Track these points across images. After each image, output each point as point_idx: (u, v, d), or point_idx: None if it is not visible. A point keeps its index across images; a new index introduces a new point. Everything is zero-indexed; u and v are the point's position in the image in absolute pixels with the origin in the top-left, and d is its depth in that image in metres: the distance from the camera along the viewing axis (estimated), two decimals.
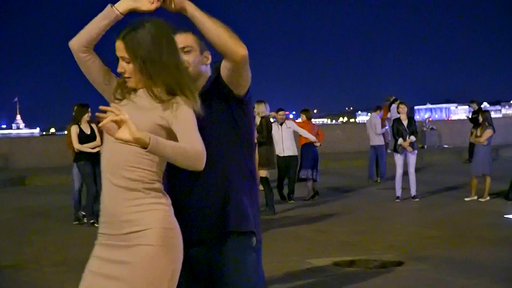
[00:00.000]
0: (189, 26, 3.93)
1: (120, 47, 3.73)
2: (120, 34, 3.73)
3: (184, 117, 3.66)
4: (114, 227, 3.68)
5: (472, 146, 25.39)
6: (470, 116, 27.05)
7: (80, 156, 13.02)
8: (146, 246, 3.61)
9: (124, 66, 3.74)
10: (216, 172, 3.96)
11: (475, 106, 26.94)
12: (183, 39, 4.02)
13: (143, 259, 3.61)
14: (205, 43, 4.04)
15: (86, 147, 12.84)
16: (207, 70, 4.16)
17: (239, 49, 3.77)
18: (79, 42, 3.72)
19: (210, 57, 4.15)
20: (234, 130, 4.04)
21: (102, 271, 3.69)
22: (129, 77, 3.76)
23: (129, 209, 3.65)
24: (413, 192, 15.85)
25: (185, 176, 3.88)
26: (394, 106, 27.21)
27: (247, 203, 4.06)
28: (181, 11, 3.73)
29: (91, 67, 3.81)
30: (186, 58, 4.00)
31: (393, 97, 27.14)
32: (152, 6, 3.61)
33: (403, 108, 16.21)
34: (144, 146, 3.38)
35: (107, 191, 3.72)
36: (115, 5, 3.67)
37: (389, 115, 26.44)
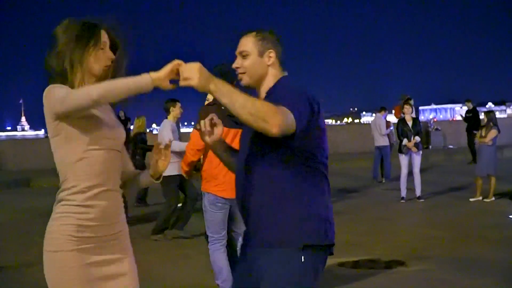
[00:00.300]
0: (256, 26, 4.04)
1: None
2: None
3: None
4: (108, 229, 3.78)
5: (472, 146, 25.40)
6: (464, 116, 27.01)
7: None
8: (129, 240, 3.98)
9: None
10: (253, 191, 3.95)
11: (470, 106, 26.82)
12: (242, 43, 4.07)
13: (131, 251, 3.97)
14: (270, 40, 4.06)
15: None
16: (270, 72, 4.06)
17: (269, 129, 3.51)
18: (105, 101, 3.52)
19: (273, 56, 4.04)
20: (283, 148, 3.84)
21: (104, 273, 3.78)
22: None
23: (120, 210, 3.90)
24: (418, 192, 15.85)
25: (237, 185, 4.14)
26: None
27: (281, 216, 3.86)
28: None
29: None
30: (243, 63, 4.03)
31: (407, 96, 27.14)
32: (170, 86, 3.53)
33: (408, 109, 16.21)
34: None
35: (104, 196, 3.75)
36: (153, 81, 3.48)
37: (402, 114, 26.46)
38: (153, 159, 3.89)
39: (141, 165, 14.68)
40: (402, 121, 16.07)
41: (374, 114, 22.75)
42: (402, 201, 15.69)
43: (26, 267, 9.65)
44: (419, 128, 15.93)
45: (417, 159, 15.76)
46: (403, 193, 15.80)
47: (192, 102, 8.37)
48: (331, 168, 17.68)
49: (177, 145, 10.81)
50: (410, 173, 15.81)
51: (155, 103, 12.14)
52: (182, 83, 3.48)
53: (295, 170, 3.87)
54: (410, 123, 15.87)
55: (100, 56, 3.77)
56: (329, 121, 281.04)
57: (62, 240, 3.81)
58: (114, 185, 3.81)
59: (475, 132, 25.37)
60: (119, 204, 3.86)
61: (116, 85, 3.48)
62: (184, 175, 8.05)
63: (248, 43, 4.04)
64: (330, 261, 9.61)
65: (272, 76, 4.05)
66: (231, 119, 6.98)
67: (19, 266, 9.77)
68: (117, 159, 3.85)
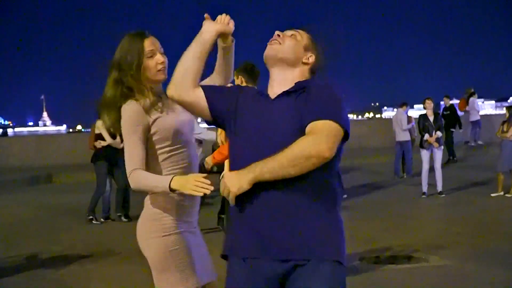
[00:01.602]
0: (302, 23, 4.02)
1: (154, 42, 4.38)
2: (146, 33, 4.37)
3: None
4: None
5: (450, 145, 24.69)
6: (441, 112, 25.39)
7: (99, 155, 13.26)
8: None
9: (162, 57, 4.39)
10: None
11: (448, 102, 25.66)
12: (298, 30, 4.01)
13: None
14: (319, 47, 3.93)
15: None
16: (300, 68, 3.87)
17: (323, 159, 3.39)
18: (138, 190, 4.28)
19: (311, 60, 3.88)
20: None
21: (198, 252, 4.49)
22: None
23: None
24: (439, 188, 15.80)
25: None
26: (472, 99, 26.87)
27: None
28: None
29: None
30: (285, 39, 3.92)
31: (472, 90, 26.72)
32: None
33: (429, 104, 16.13)
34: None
35: None
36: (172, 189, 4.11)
37: (467, 107, 26.05)
38: None
39: None
40: (423, 116, 16.00)
41: (395, 109, 22.62)
42: (423, 196, 15.65)
43: (49, 263, 9.72)
44: (441, 123, 15.86)
45: (438, 154, 15.71)
46: (425, 188, 15.76)
47: None
48: (353, 163, 17.65)
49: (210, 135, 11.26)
50: (432, 169, 15.77)
51: None
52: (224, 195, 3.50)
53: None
54: (431, 118, 15.81)
55: (148, 64, 4.34)
56: (350, 116, 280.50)
57: (170, 225, 4.34)
58: None
59: (453, 130, 24.66)
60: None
61: (147, 184, 4.17)
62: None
63: (303, 34, 3.93)
64: (352, 257, 9.62)
65: (300, 72, 3.84)
66: None
67: (43, 263, 9.83)
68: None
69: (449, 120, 24.42)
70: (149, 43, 4.32)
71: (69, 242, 11.23)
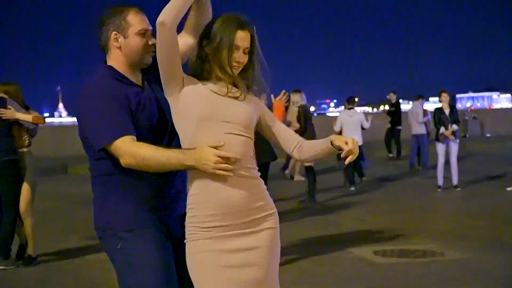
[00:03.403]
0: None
1: (246, 38, 3.81)
2: (245, 25, 3.82)
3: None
4: (237, 216, 3.69)
5: (391, 142, 24.01)
6: (388, 109, 25.02)
7: None
8: (272, 229, 3.80)
9: (242, 56, 3.83)
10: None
11: (394, 98, 24.38)
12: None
13: (272, 241, 3.78)
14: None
15: None
16: None
17: None
18: (174, 19, 3.65)
19: None
20: None
21: (233, 262, 3.67)
22: (238, 67, 3.86)
23: (256, 197, 3.76)
24: (455, 181, 15.77)
25: None
26: None
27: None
28: None
29: (180, 46, 3.79)
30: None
31: None
32: None
33: (445, 97, 16.09)
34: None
35: (230, 183, 3.67)
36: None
37: None
38: None
39: None
40: (439, 109, 15.96)
41: (411, 102, 22.56)
42: (438, 189, 15.64)
43: (66, 254, 9.75)
44: (456, 116, 15.83)
45: (454, 148, 15.67)
46: (440, 181, 15.73)
47: None
48: (368, 156, 17.50)
49: None
50: (447, 162, 15.74)
51: None
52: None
53: None
54: (447, 111, 15.77)
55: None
56: (365, 109, 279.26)
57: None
58: (243, 172, 3.73)
59: (399, 128, 23.73)
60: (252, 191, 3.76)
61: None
62: None
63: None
64: (367, 249, 9.62)
65: None
66: None
67: (59, 253, 9.86)
68: (246, 145, 3.78)
69: (394, 117, 24.01)
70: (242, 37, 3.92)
71: (85, 232, 11.21)
